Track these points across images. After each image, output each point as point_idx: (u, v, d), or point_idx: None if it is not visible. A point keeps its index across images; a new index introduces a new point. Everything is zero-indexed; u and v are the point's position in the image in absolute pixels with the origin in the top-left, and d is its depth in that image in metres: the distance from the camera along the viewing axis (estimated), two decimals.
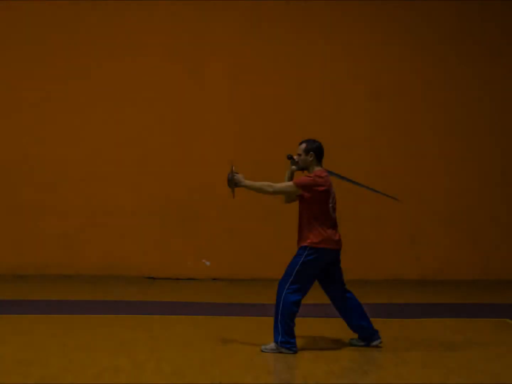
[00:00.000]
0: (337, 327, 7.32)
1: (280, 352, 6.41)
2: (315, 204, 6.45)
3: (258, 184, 6.53)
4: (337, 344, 6.87)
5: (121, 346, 6.63)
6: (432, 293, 10.29)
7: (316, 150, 6.59)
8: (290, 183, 6.53)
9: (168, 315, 8.14)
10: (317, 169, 6.58)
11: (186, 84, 11.21)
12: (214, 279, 11.12)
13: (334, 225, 6.55)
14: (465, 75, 11.45)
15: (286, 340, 6.41)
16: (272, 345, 6.47)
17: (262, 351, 6.48)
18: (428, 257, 11.31)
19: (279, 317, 6.42)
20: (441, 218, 11.36)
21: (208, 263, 11.16)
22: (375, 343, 6.70)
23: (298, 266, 6.44)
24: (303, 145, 6.63)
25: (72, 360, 6.09)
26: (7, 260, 10.98)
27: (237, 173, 6.51)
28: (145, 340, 6.87)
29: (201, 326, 7.57)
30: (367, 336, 6.71)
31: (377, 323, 6.93)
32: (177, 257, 11.15)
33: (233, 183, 6.46)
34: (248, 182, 6.51)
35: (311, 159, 6.59)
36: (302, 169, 6.69)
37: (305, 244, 6.45)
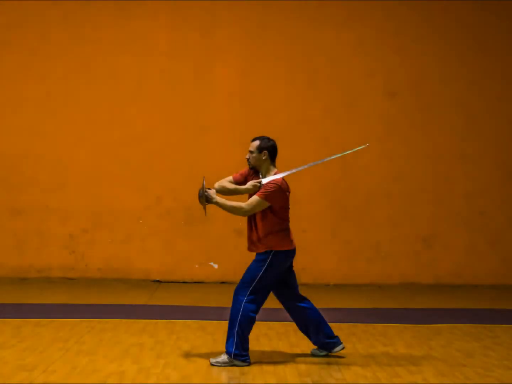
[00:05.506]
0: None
1: (233, 365, 6.06)
2: (279, 209, 6.19)
3: (228, 204, 6.19)
4: None
5: (126, 351, 6.51)
6: (448, 298, 10.04)
7: (270, 149, 6.31)
8: (258, 199, 6.12)
9: (174, 320, 7.98)
10: (272, 171, 6.31)
11: (193, 83, 11.05)
12: (222, 282, 10.95)
13: (288, 227, 6.31)
14: (484, 72, 11.19)
15: (239, 353, 6.06)
16: (224, 357, 6.10)
17: (211, 364, 6.09)
18: (444, 261, 11.07)
19: (237, 327, 6.05)
20: (458, 220, 11.12)
21: (215, 266, 11.01)
22: (336, 349, 6.38)
23: (261, 273, 6.12)
24: (256, 142, 6.33)
25: (75, 366, 5.98)
26: (10, 263, 10.85)
27: (209, 188, 6.25)
28: (151, 345, 6.74)
29: (209, 331, 7.43)
30: (328, 344, 6.37)
31: (390, 328, 6.78)
32: (184, 259, 11.00)
33: (204, 199, 6.21)
34: (219, 199, 6.19)
35: (264, 157, 6.30)
36: (253, 167, 6.39)
37: (268, 248, 6.14)
